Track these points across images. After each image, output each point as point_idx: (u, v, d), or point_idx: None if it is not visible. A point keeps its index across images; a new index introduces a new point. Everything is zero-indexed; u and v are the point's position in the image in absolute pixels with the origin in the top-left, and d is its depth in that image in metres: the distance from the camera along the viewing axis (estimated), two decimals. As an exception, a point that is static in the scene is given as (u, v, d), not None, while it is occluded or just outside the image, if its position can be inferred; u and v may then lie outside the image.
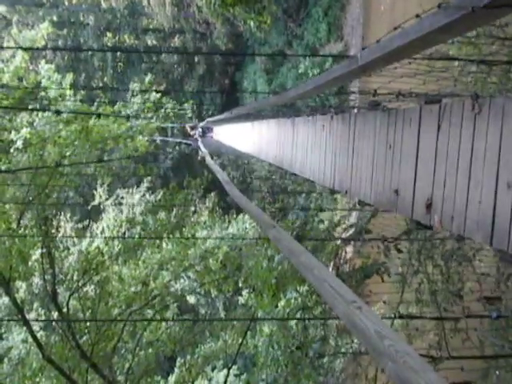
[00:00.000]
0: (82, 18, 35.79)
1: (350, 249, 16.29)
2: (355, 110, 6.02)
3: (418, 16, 2.98)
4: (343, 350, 14.61)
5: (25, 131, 11.85)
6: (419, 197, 4.02)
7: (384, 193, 4.65)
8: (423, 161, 3.98)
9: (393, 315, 10.89)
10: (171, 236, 15.29)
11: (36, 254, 13.25)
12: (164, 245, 15.38)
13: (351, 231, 15.01)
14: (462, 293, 10.58)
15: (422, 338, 11.46)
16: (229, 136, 19.42)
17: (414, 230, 4.37)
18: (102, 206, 26.93)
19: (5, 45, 13.11)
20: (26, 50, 12.73)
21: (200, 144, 16.88)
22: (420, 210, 4.01)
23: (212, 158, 13.69)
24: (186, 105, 17.72)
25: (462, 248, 9.75)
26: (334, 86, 5.65)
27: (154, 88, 16.28)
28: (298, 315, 14.41)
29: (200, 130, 21.89)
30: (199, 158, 17.95)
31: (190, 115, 19.06)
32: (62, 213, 16.02)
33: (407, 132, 4.21)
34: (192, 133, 21.88)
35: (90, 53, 34.55)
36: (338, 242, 14.18)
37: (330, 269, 14.13)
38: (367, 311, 2.36)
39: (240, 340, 15.60)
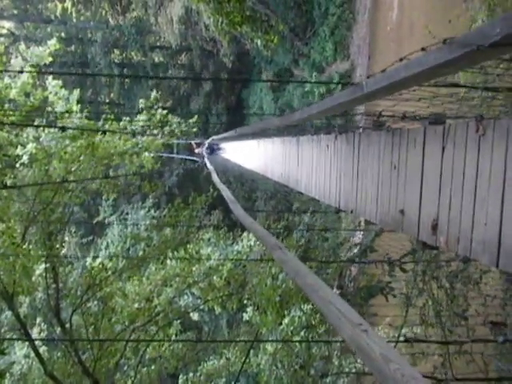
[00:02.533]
0: (89, 35, 36.16)
1: (354, 268, 16.23)
2: (359, 130, 6.03)
3: (423, 49, 3.04)
4: (347, 369, 14.51)
5: (31, 146, 11.90)
6: (425, 217, 4.01)
7: (389, 213, 4.64)
8: (428, 181, 3.98)
9: (397, 337, 10.84)
10: (176, 253, 15.27)
11: (40, 268, 13.26)
12: (168, 261, 15.35)
13: (356, 250, 14.98)
14: (466, 314, 10.52)
15: (426, 359, 11.37)
16: (234, 153, 19.47)
17: (419, 250, 4.35)
18: (106, 222, 26.99)
19: (12, 61, 13.16)
20: (32, 72, 12.86)
21: (206, 161, 16.89)
22: (426, 231, 3.99)
23: (218, 174, 13.71)
24: (191, 121, 17.75)
25: (468, 269, 9.71)
26: (338, 111, 5.70)
27: (160, 105, 16.31)
28: (302, 334, 14.33)
29: (207, 147, 21.70)
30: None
31: (195, 131, 19.05)
32: (67, 228, 16.02)
33: (412, 152, 4.22)
34: (197, 150, 21.69)
35: (97, 69, 34.83)
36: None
37: (334, 288, 14.09)
38: (373, 334, 2.34)
39: (243, 358, 15.51)
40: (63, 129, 11.87)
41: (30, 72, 12.43)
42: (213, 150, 22.95)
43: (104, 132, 13.08)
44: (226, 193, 9.26)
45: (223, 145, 22.22)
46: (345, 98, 4.28)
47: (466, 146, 3.49)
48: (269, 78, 29.91)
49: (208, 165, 16.12)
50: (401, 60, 3.38)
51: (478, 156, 3.38)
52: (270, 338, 15.17)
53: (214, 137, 19.82)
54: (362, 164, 5.40)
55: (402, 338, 8.04)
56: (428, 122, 3.99)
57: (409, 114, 4.40)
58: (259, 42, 18.37)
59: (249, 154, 15.50)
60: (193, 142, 23.08)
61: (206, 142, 21.82)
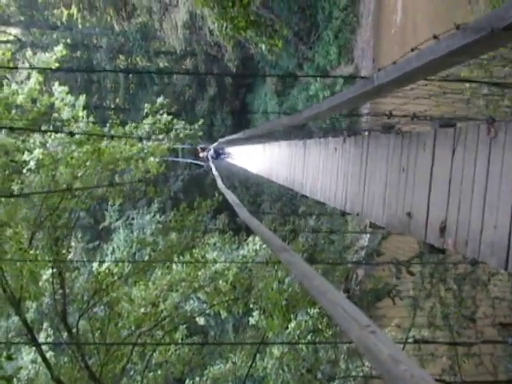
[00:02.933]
0: (95, 41, 36.30)
1: (361, 271, 16.20)
2: (367, 133, 6.02)
3: (435, 37, 2.95)
4: (354, 373, 14.45)
5: (37, 152, 11.96)
6: (433, 220, 3.99)
7: (396, 215, 4.62)
8: (437, 184, 3.96)
9: (404, 339, 10.80)
10: (181, 257, 15.27)
11: (47, 274, 13.29)
12: (174, 266, 15.36)
13: (362, 253, 14.94)
14: (475, 317, 10.46)
15: (434, 362, 11.32)
16: (240, 157, 19.41)
17: (426, 253, 4.32)
18: (112, 227, 27.05)
19: (20, 67, 13.25)
20: (40, 69, 12.91)
21: (211, 165, 16.80)
22: (433, 234, 3.98)
23: (223, 180, 13.69)
24: (196, 125, 17.73)
25: (476, 271, 9.67)
26: (349, 107, 5.63)
27: (165, 109, 16.32)
28: (309, 337, 14.30)
29: (212, 151, 21.34)
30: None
31: (200, 135, 18.99)
32: (73, 233, 16.06)
33: (421, 155, 4.20)
34: (202, 154, 21.42)
35: (102, 75, 34.95)
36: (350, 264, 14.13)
37: (341, 291, 14.04)
38: (381, 335, 2.33)
39: (249, 362, 15.48)
40: (72, 134, 11.93)
41: (38, 69, 12.46)
42: (219, 154, 22.60)
43: (112, 137, 13.13)
44: (231, 197, 9.24)
45: (229, 149, 22.04)
46: (355, 93, 4.20)
47: (477, 148, 3.48)
48: (274, 83, 29.90)
49: (213, 170, 16.06)
50: (412, 50, 3.31)
51: (488, 158, 3.36)
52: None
53: (221, 140, 19.66)
54: (370, 167, 5.38)
55: (411, 340, 8.01)
56: (439, 124, 3.97)
57: (419, 114, 4.36)
58: (263, 47, 18.39)
59: (254, 157, 15.50)
60: (198, 147, 22.83)
61: (211, 147, 21.56)
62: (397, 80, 3.42)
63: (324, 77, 23.62)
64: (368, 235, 15.74)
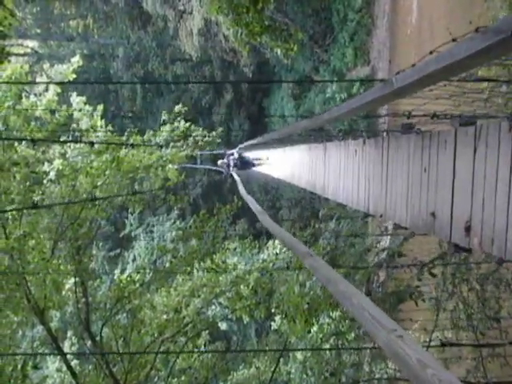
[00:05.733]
0: (111, 51, 36.64)
1: (382, 273, 16.10)
2: (385, 134, 6.00)
3: (454, 40, 2.95)
4: (378, 375, 14.37)
5: (57, 162, 12.10)
6: (457, 219, 3.96)
7: (420, 216, 4.59)
8: (460, 183, 3.93)
9: (428, 341, 10.69)
10: (202, 264, 15.30)
11: (69, 283, 13.41)
12: (195, 272, 15.40)
13: (383, 255, 14.85)
14: (498, 316, 10.34)
15: (458, 363, 11.21)
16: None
17: (451, 253, 4.28)
18: (133, 235, 27.25)
19: (37, 80, 13.43)
20: (58, 84, 13.07)
21: (234, 175, 16.40)
22: (459, 233, 3.94)
23: (245, 186, 13.67)
24: (215, 133, 17.74)
25: (499, 271, 9.56)
26: (368, 110, 5.63)
27: (182, 116, 16.40)
28: (332, 341, 14.24)
29: (235, 157, 18.92)
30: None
31: (218, 142, 18.87)
32: (94, 242, 16.19)
33: (443, 155, 4.17)
34: (220, 162, 20.49)
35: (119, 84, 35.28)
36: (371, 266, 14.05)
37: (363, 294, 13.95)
38: (408, 340, 2.32)
39: (273, 367, 15.45)
40: (92, 144, 12.05)
41: (56, 83, 12.62)
42: (245, 163, 19.15)
43: (132, 146, 13.24)
44: (254, 204, 9.25)
45: (248, 154, 21.40)
46: (374, 96, 4.20)
47: (499, 146, 3.44)
48: (290, 88, 29.89)
49: (235, 176, 15.90)
50: (431, 53, 3.30)
51: (511, 156, 3.33)
52: (299, 346, 15.10)
53: (241, 145, 19.31)
54: (392, 168, 5.36)
55: (434, 342, 7.94)
56: (459, 123, 3.94)
57: (438, 113, 4.34)
58: (279, 51, 18.39)
59: (275, 162, 15.47)
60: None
61: (233, 152, 19.91)
62: (416, 82, 3.42)
63: (342, 81, 23.54)
64: (389, 237, 15.66)
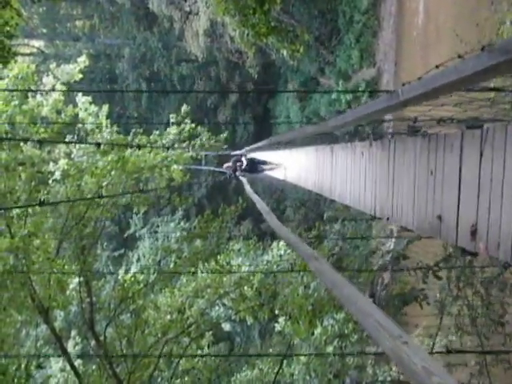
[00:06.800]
0: (117, 51, 36.71)
1: (386, 275, 16.08)
2: (391, 136, 5.99)
3: (460, 57, 3.00)
4: (381, 378, 14.36)
5: (63, 162, 12.11)
6: (463, 223, 3.94)
7: (426, 219, 4.57)
8: (467, 186, 3.91)
9: (432, 345, 10.66)
10: (206, 264, 15.30)
11: (74, 283, 13.43)
12: (199, 272, 15.40)
13: (388, 257, 14.83)
14: (503, 320, 10.32)
15: (462, 367, 11.18)
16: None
17: (458, 256, 4.27)
18: (137, 235, 27.27)
19: (44, 79, 13.45)
20: (63, 91, 13.13)
21: (243, 180, 16.08)
22: (464, 237, 3.92)
23: (251, 186, 13.63)
24: (221, 136, 17.73)
25: (503, 275, 9.53)
26: (373, 118, 5.66)
27: (188, 117, 16.40)
28: (335, 343, 14.21)
29: (244, 163, 17.54)
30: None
31: (224, 146, 18.79)
32: (99, 242, 16.21)
33: (449, 158, 4.16)
34: (226, 165, 20.13)
35: (125, 84, 35.33)
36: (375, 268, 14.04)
37: (366, 296, 13.92)
38: (414, 346, 2.30)
39: (276, 368, 15.43)
40: (98, 145, 12.08)
41: (62, 91, 12.68)
42: (254, 168, 17.89)
43: (139, 147, 13.26)
44: (261, 204, 9.24)
45: (256, 156, 20.92)
46: (380, 106, 4.25)
47: (506, 149, 3.43)
48: (296, 88, 29.91)
49: (243, 179, 15.73)
50: (437, 67, 3.34)
51: (518, 159, 3.31)
52: (303, 348, 15.08)
53: (247, 148, 19.15)
54: (398, 170, 5.35)
55: (438, 347, 7.92)
56: (465, 126, 3.93)
57: (445, 118, 4.34)
58: (285, 52, 18.37)
59: (289, 167, 15.38)
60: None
61: (243, 157, 19.16)
62: (421, 96, 3.49)
63: (347, 92, 23.52)
64: (393, 239, 15.64)
